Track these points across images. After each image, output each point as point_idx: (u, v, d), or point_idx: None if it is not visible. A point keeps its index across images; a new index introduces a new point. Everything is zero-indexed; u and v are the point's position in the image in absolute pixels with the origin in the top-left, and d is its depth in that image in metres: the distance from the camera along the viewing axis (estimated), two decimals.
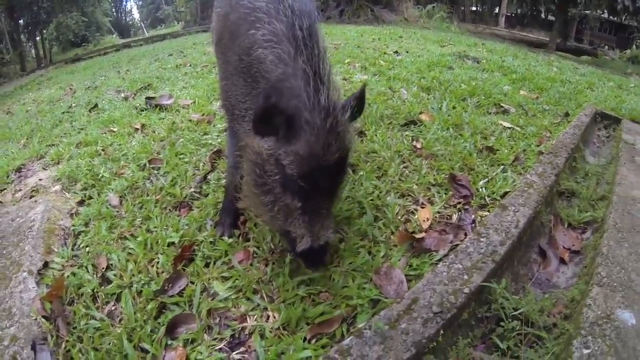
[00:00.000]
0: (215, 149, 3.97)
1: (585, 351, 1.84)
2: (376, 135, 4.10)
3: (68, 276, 2.64)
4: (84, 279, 2.60)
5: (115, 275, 2.62)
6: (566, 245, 2.92)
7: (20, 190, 3.93)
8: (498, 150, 3.89)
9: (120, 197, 3.43)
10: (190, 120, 4.84)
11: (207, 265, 2.63)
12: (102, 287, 2.55)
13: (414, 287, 2.25)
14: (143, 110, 5.52)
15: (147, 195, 3.38)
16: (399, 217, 2.99)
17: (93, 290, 2.53)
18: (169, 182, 3.49)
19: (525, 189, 3.08)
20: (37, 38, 31.91)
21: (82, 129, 5.34)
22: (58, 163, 4.31)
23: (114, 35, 41.34)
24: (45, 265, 2.76)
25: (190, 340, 2.17)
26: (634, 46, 22.00)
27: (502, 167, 3.59)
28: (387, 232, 2.83)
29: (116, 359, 2.09)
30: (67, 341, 2.23)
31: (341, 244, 2.68)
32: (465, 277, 2.24)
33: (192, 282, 2.49)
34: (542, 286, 2.62)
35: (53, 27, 30.85)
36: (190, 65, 8.59)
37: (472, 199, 3.16)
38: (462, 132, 4.26)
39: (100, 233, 2.99)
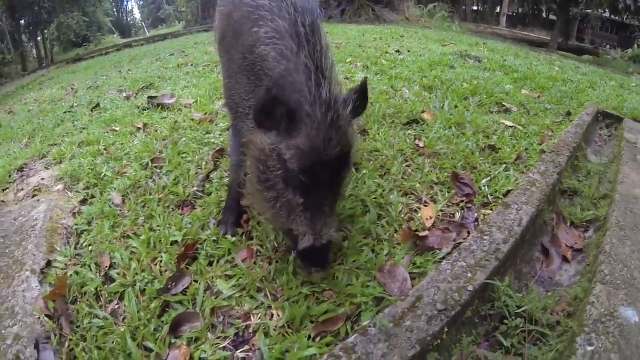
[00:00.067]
0: (217, 148, 3.97)
1: (589, 348, 1.84)
2: (379, 134, 4.11)
3: (71, 275, 2.63)
4: (87, 277, 2.60)
5: (118, 273, 2.61)
6: (569, 243, 2.92)
7: (22, 189, 3.93)
8: (500, 148, 3.89)
9: (123, 195, 3.43)
10: (192, 119, 4.84)
11: (210, 263, 2.63)
12: (105, 286, 2.55)
13: (417, 284, 2.26)
14: (145, 110, 5.51)
15: (150, 193, 3.38)
16: (402, 215, 2.99)
17: (96, 288, 2.52)
18: (171, 181, 3.49)
19: (528, 187, 3.08)
20: (38, 38, 31.98)
21: (84, 128, 5.34)
22: (60, 162, 4.31)
23: (115, 35, 41.48)
24: (48, 264, 2.75)
25: (194, 338, 2.17)
26: (636, 45, 21.95)
27: (504, 165, 3.59)
28: (390, 230, 2.83)
29: (120, 357, 2.09)
30: (70, 340, 2.23)
31: (345, 242, 2.68)
32: (469, 274, 2.24)
33: (196, 281, 2.49)
34: (545, 284, 2.62)
35: (54, 27, 30.84)
36: (191, 65, 8.59)
37: (475, 197, 3.16)
38: (464, 130, 4.26)
39: (103, 232, 2.99)
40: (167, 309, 2.36)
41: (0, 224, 3.17)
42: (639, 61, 19.78)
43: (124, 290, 2.48)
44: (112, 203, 3.33)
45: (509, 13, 31.86)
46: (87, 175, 3.77)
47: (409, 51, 8.75)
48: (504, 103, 5.24)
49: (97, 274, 2.64)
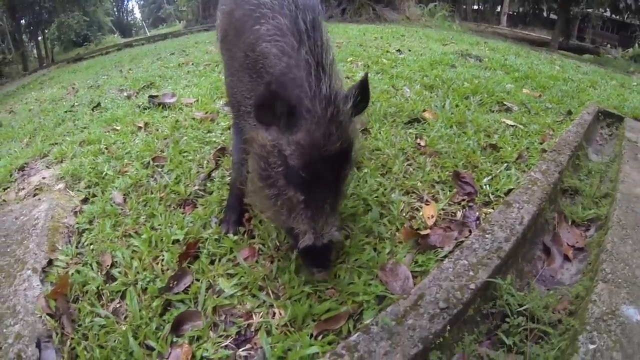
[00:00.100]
0: (219, 147, 3.97)
1: (591, 346, 1.84)
2: (380, 133, 4.11)
3: (72, 274, 2.63)
4: (88, 276, 2.60)
5: (120, 272, 2.61)
6: (570, 242, 2.92)
7: (23, 188, 3.93)
8: (501, 148, 3.89)
9: (124, 194, 3.43)
10: (193, 119, 4.85)
11: (212, 262, 2.63)
12: (107, 285, 2.55)
13: (420, 283, 2.26)
14: (146, 109, 5.51)
15: (151, 192, 3.38)
16: (404, 214, 2.99)
17: (98, 287, 2.52)
18: (173, 180, 3.49)
19: (529, 186, 3.08)
20: (39, 38, 32.00)
21: (85, 127, 5.35)
22: (61, 161, 4.32)
23: (116, 35, 41.51)
24: (50, 263, 2.76)
25: (195, 337, 2.17)
26: (637, 45, 21.95)
27: (505, 164, 3.59)
28: (392, 229, 2.83)
29: (122, 356, 2.09)
30: (72, 339, 2.23)
31: (347, 240, 2.68)
32: (471, 273, 2.24)
33: (197, 280, 2.49)
34: (547, 283, 2.62)
35: (55, 26, 30.86)
36: (192, 64, 8.59)
37: (476, 196, 3.16)
38: (465, 129, 4.26)
39: (105, 231, 2.99)
40: (169, 308, 2.36)
41: (2, 223, 3.17)
42: None
43: (126, 289, 2.48)
44: (114, 202, 3.33)
45: (510, 12, 31.86)
46: (88, 174, 3.78)
47: (409, 50, 8.75)
48: (505, 102, 5.24)
49: (99, 272, 2.65)
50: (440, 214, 2.99)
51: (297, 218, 2.16)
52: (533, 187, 3.07)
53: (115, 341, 2.17)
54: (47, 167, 4.31)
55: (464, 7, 28.81)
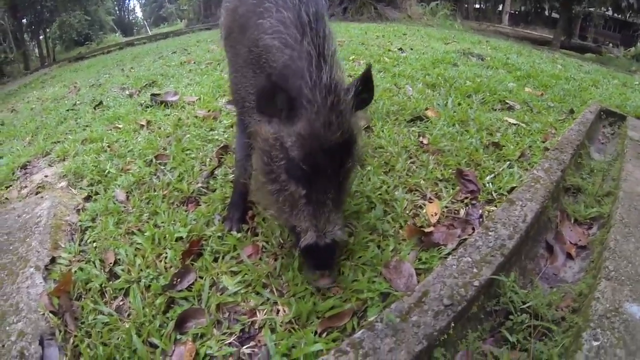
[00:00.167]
0: (222, 145, 3.98)
1: (595, 343, 1.84)
2: (383, 131, 4.11)
3: (75, 271, 2.63)
4: (91, 274, 2.60)
5: (123, 270, 2.61)
6: (573, 240, 2.92)
7: (26, 186, 3.94)
8: (504, 146, 3.89)
9: (127, 192, 3.43)
10: (196, 117, 4.86)
11: (215, 260, 2.63)
12: (110, 282, 2.54)
13: (424, 280, 2.26)
14: (148, 107, 5.53)
15: (154, 190, 3.39)
16: (407, 212, 2.99)
17: (101, 285, 2.52)
18: (175, 178, 3.49)
19: (532, 184, 3.08)
20: (41, 37, 32.00)
21: (87, 126, 5.36)
22: (64, 159, 4.33)
23: (117, 34, 41.59)
24: (53, 260, 2.76)
25: (199, 334, 2.16)
26: (639, 44, 21.96)
27: (508, 162, 3.59)
28: (395, 227, 2.83)
29: (125, 353, 2.08)
30: (75, 336, 2.23)
31: (351, 238, 2.67)
32: (475, 270, 2.24)
33: (201, 277, 2.49)
34: (550, 281, 2.62)
35: (56, 26, 30.88)
36: (194, 63, 8.60)
37: (479, 194, 3.16)
38: (468, 128, 4.26)
39: (108, 228, 2.99)
40: (172, 305, 2.35)
41: (4, 221, 3.18)
42: None
43: (129, 287, 2.48)
44: (117, 200, 3.34)
45: (512, 11, 31.85)
46: (90, 172, 3.79)
47: (411, 49, 8.75)
48: (507, 101, 5.24)
49: (102, 270, 2.65)
50: (443, 211, 2.99)
51: (299, 215, 2.14)
52: (536, 185, 3.07)
53: (118, 339, 2.17)
54: (49, 165, 4.31)
55: (466, 5, 28.77)
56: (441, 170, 3.43)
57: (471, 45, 10.36)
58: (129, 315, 2.35)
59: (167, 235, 2.83)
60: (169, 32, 25.18)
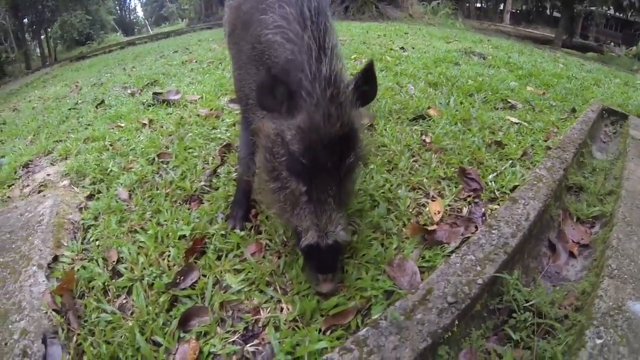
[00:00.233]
0: (224, 143, 3.98)
1: (598, 341, 1.84)
2: (386, 130, 4.12)
3: (78, 270, 2.63)
4: (94, 272, 2.60)
5: (126, 268, 2.62)
6: (575, 239, 2.93)
7: (28, 185, 3.95)
8: (506, 145, 3.90)
9: (130, 191, 3.44)
10: (198, 115, 4.86)
11: (219, 258, 2.63)
12: (113, 281, 2.55)
13: (428, 278, 2.26)
14: (150, 106, 5.54)
15: (157, 189, 3.39)
16: (411, 210, 3.00)
17: (104, 283, 2.52)
18: (178, 176, 3.50)
19: (535, 182, 3.08)
20: (42, 36, 32.00)
21: (89, 124, 5.36)
22: (66, 158, 4.33)
23: (118, 33, 41.52)
24: (55, 259, 2.76)
25: (203, 333, 2.17)
26: None
27: (510, 161, 3.60)
28: (399, 225, 2.83)
29: (128, 352, 2.08)
30: (79, 335, 2.23)
31: (354, 236, 2.67)
32: (478, 268, 2.24)
33: (204, 275, 2.49)
34: (552, 279, 2.63)
35: (57, 25, 30.88)
36: (196, 62, 8.60)
37: (482, 193, 3.16)
38: (470, 126, 4.26)
39: (110, 227, 2.99)
40: (175, 304, 2.36)
41: (7, 219, 3.18)
42: None
43: (132, 285, 2.48)
44: (119, 198, 3.34)
45: (513, 10, 31.85)
46: (93, 170, 3.79)
47: (413, 48, 8.75)
48: (509, 100, 5.25)
49: (105, 268, 2.65)
50: (446, 209, 2.99)
51: (300, 214, 2.13)
52: (538, 183, 3.07)
53: (121, 337, 2.17)
54: (51, 164, 4.32)
55: (467, 4, 28.78)
56: (444, 169, 3.44)
57: (473, 44, 10.37)
58: (132, 313, 2.35)
59: (170, 234, 2.83)
60: (170, 32, 25.18)
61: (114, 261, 2.69)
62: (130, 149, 4.15)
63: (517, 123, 4.48)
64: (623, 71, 11.27)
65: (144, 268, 2.59)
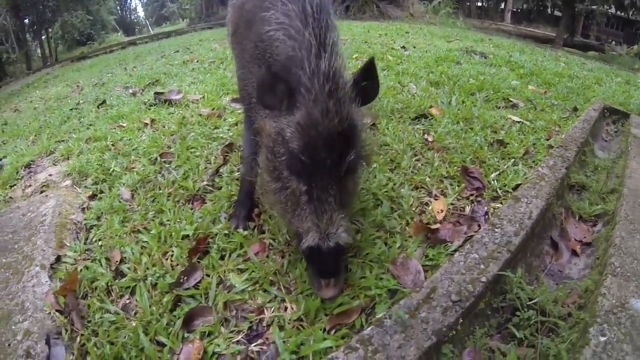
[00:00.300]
0: (227, 143, 3.99)
1: (602, 339, 1.85)
2: (388, 129, 4.12)
3: (81, 270, 2.63)
4: (97, 272, 2.60)
5: (129, 268, 2.62)
6: (577, 237, 2.93)
7: (30, 185, 3.95)
8: (508, 143, 3.90)
9: (132, 191, 3.44)
10: (200, 115, 4.86)
11: (222, 257, 2.63)
12: (116, 281, 2.55)
13: (432, 276, 2.27)
14: (152, 106, 5.54)
15: (160, 188, 3.39)
16: (414, 209, 3.00)
17: (107, 283, 2.52)
18: (181, 176, 3.50)
19: (537, 181, 3.09)
20: (43, 37, 31.98)
21: (90, 124, 5.36)
22: (68, 158, 4.33)
23: (119, 33, 41.51)
24: (58, 259, 2.76)
25: (207, 333, 2.17)
26: None
27: (512, 160, 3.60)
28: (402, 223, 2.84)
29: (132, 352, 2.09)
30: (82, 335, 2.23)
31: (358, 235, 2.67)
32: (482, 266, 2.25)
33: (208, 275, 2.49)
34: (555, 277, 2.63)
35: (58, 25, 30.94)
36: (197, 61, 8.59)
37: (485, 191, 3.17)
38: (472, 125, 4.27)
39: (113, 227, 2.99)
40: (179, 304, 2.36)
41: (9, 219, 3.18)
42: None
43: (136, 285, 2.48)
44: (122, 198, 3.34)
45: (514, 9, 31.80)
46: (95, 170, 3.79)
47: (414, 47, 8.77)
48: (510, 99, 5.25)
49: (108, 268, 2.65)
50: (449, 208, 3.00)
51: (300, 214, 2.11)
52: (541, 182, 3.07)
53: (125, 337, 2.17)
54: (53, 164, 4.32)
55: (468, 4, 28.74)
56: (446, 168, 3.45)
57: (474, 43, 10.38)
58: (135, 313, 2.35)
59: (173, 233, 2.83)
60: (171, 31, 25.14)
61: (117, 261, 2.69)
62: (132, 149, 4.15)
63: (519, 122, 4.49)
64: (624, 70, 11.27)
65: (147, 268, 2.59)
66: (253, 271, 2.48)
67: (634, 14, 23.80)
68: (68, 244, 2.89)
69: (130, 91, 6.93)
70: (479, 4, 32.79)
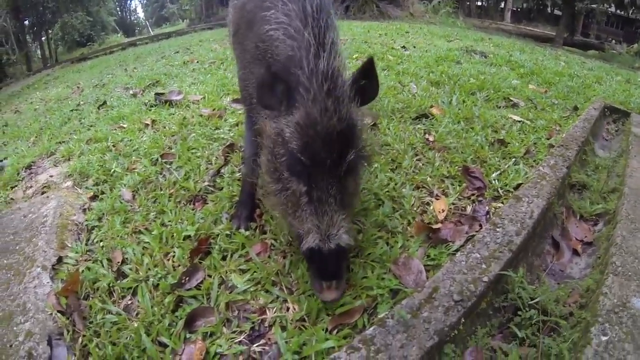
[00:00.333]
0: (228, 143, 3.99)
1: (604, 338, 1.86)
2: (389, 129, 4.13)
3: (83, 271, 2.63)
4: (99, 273, 2.60)
5: (130, 269, 2.62)
6: (578, 236, 2.94)
7: (31, 187, 3.95)
8: (509, 143, 3.90)
9: (133, 191, 3.44)
10: (201, 116, 4.86)
11: (224, 258, 2.63)
12: (118, 282, 2.55)
13: (433, 276, 2.27)
14: (152, 106, 5.53)
15: (161, 189, 3.39)
16: (415, 209, 3.00)
17: (109, 284, 2.52)
18: (182, 176, 3.51)
19: (538, 180, 3.09)
20: (43, 38, 32.00)
21: (91, 125, 5.36)
22: (69, 159, 4.33)
23: (119, 34, 41.44)
24: (59, 260, 2.76)
25: (209, 333, 2.17)
26: None
27: (513, 159, 3.60)
28: (404, 223, 2.84)
29: (134, 353, 2.09)
30: (84, 336, 2.23)
31: (359, 234, 2.67)
32: (484, 266, 2.25)
33: (210, 275, 2.50)
34: (556, 277, 2.63)
35: (58, 27, 30.92)
36: (197, 62, 8.59)
37: (486, 191, 3.17)
38: (472, 125, 4.27)
39: (114, 227, 3.00)
40: (181, 304, 2.36)
41: (10, 221, 3.19)
42: None
43: (137, 286, 2.48)
44: (123, 199, 3.34)
45: (514, 8, 31.75)
46: (96, 171, 3.79)
47: (414, 47, 8.77)
48: (511, 98, 5.26)
49: (110, 269, 2.65)
50: (450, 208, 3.00)
51: (301, 216, 2.10)
52: (542, 181, 3.08)
53: (127, 338, 2.17)
54: (54, 165, 4.32)
55: (468, 3, 28.71)
56: (447, 168, 3.45)
57: (474, 42, 10.39)
58: (137, 314, 2.35)
59: (174, 234, 2.83)
60: (171, 32, 25.11)
61: (118, 262, 2.69)
62: (133, 150, 4.15)
63: (519, 121, 4.49)
64: (624, 69, 11.26)
65: (149, 269, 2.59)
66: (255, 272, 2.48)
67: (634, 13, 23.78)
68: (69, 245, 2.89)
69: (131, 92, 6.92)
70: (479, 3, 32.78)
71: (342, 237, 2.05)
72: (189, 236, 2.82)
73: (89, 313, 2.37)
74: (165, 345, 2.13)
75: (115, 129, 4.86)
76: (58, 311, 2.35)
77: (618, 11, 24.80)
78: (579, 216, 3.16)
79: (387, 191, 3.13)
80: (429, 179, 3.30)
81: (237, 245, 2.70)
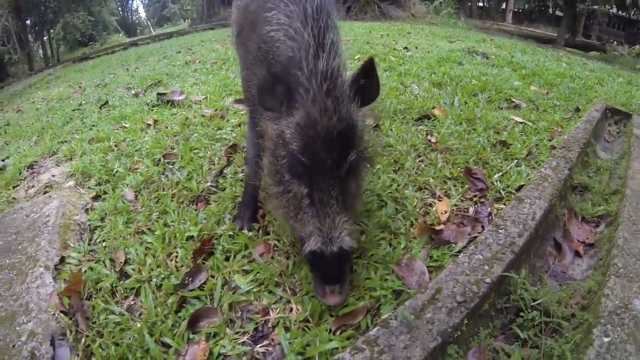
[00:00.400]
0: (230, 144, 3.99)
1: (606, 339, 1.86)
2: (391, 130, 4.13)
3: (85, 271, 2.64)
4: (102, 273, 2.61)
5: (133, 269, 2.62)
6: (580, 238, 2.93)
7: (33, 186, 3.96)
8: (511, 144, 3.90)
9: (136, 191, 3.44)
10: (203, 116, 4.87)
11: (227, 258, 2.63)
12: (121, 282, 2.55)
13: (436, 277, 2.27)
14: (155, 106, 5.54)
15: (163, 189, 3.39)
16: (418, 210, 3.00)
17: (112, 284, 2.53)
18: (184, 177, 3.51)
19: (540, 182, 3.09)
20: (45, 38, 32.05)
21: (93, 125, 5.37)
22: (71, 159, 4.34)
23: (121, 34, 41.46)
24: (62, 260, 2.77)
25: (212, 334, 2.17)
26: None
27: (515, 161, 3.60)
28: (406, 224, 2.84)
29: (138, 353, 2.09)
30: (87, 336, 2.24)
31: (362, 236, 2.68)
32: (486, 267, 2.25)
33: (213, 276, 2.50)
34: (558, 278, 2.63)
35: (60, 26, 31.01)
36: (199, 62, 8.59)
37: (488, 192, 3.17)
38: (475, 126, 4.27)
39: (117, 228, 3.00)
40: (184, 305, 2.36)
41: (12, 220, 3.19)
42: None
43: (140, 286, 2.49)
44: (125, 199, 3.35)
45: (515, 9, 31.77)
46: (98, 171, 3.80)
47: (416, 48, 8.77)
48: (513, 99, 5.25)
49: (112, 270, 2.65)
50: (453, 209, 3.00)
51: (303, 218, 2.09)
52: (544, 183, 3.07)
53: (130, 338, 2.17)
54: (56, 164, 4.33)
55: (469, 4, 28.72)
56: (450, 169, 3.45)
57: (475, 43, 10.38)
58: (140, 314, 2.35)
59: (177, 234, 2.84)
60: (172, 32, 25.14)
61: (121, 262, 2.70)
62: (135, 150, 4.16)
63: (521, 122, 4.49)
64: (626, 70, 11.27)
65: (152, 269, 2.59)
66: (258, 272, 2.48)
67: (636, 14, 23.79)
68: (72, 245, 2.90)
69: (133, 92, 6.93)
70: (480, 4, 32.78)
71: (344, 239, 2.04)
72: (192, 237, 2.82)
73: (91, 313, 2.37)
74: (168, 346, 2.13)
75: (118, 129, 4.87)
76: (61, 311, 2.35)
77: (620, 12, 24.83)
78: (580, 218, 3.16)
79: (390, 192, 3.13)
80: (431, 180, 3.30)
81: (240, 246, 2.70)
